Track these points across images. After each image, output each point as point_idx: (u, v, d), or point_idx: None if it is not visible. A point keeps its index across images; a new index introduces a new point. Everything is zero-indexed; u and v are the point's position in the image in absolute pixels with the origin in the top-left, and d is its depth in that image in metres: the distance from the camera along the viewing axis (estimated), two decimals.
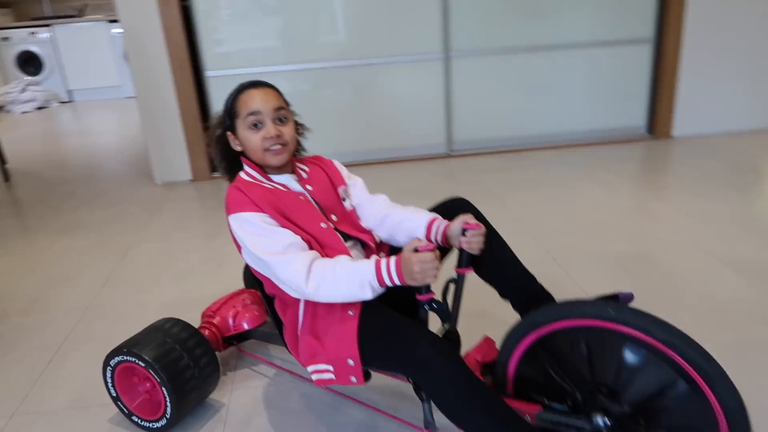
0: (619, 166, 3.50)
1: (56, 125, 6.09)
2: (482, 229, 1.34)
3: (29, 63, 7.10)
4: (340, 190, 1.49)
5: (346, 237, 1.43)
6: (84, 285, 2.38)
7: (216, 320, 1.71)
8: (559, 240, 2.52)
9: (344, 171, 1.56)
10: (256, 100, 1.34)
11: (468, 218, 1.34)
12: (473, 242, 1.32)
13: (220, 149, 1.46)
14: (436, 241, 1.42)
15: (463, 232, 1.33)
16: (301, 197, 1.39)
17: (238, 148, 1.40)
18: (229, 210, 1.33)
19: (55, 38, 7.05)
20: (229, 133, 1.40)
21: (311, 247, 1.32)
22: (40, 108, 6.84)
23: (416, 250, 1.19)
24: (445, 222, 1.42)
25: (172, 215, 3.13)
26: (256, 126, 1.34)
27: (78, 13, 7.43)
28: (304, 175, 1.47)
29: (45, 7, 7.52)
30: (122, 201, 3.41)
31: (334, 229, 1.39)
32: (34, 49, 7.05)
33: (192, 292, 2.26)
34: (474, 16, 3.64)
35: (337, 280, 1.22)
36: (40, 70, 7.12)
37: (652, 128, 3.99)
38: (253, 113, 1.33)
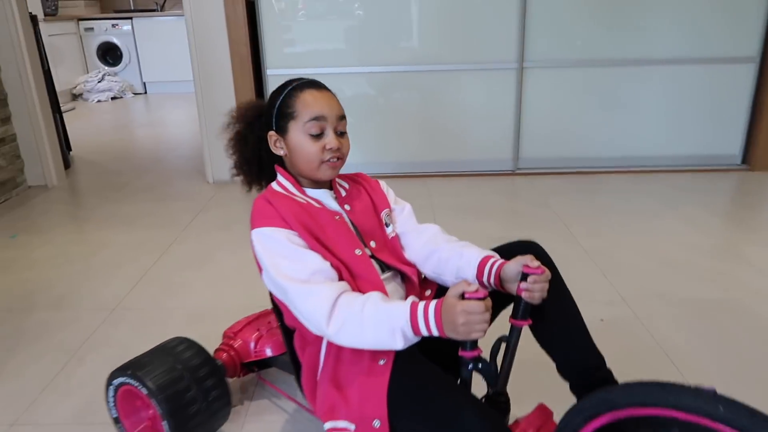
0: (707, 198, 3.12)
1: (127, 116, 6.21)
2: (547, 274, 1.09)
3: (109, 53, 7.32)
4: (383, 214, 1.29)
5: (385, 267, 1.23)
6: (116, 283, 2.28)
7: (237, 343, 1.54)
8: (632, 279, 2.22)
9: (391, 194, 1.37)
10: (321, 104, 1.17)
11: (529, 260, 1.10)
12: (534, 289, 1.08)
13: (249, 149, 1.28)
14: (488, 284, 1.19)
15: (523, 276, 1.09)
16: (337, 217, 1.21)
17: (281, 152, 1.23)
18: (254, 223, 1.16)
19: (134, 31, 7.23)
20: (272, 133, 1.22)
21: (341, 277, 1.13)
22: (114, 98, 7.01)
23: (463, 297, 0.97)
24: (500, 261, 1.18)
25: (218, 216, 3.02)
26: (315, 134, 1.17)
27: (158, 7, 7.60)
28: (343, 192, 1.29)
29: (129, 1, 7.74)
30: (171, 197, 3.34)
31: (370, 258, 1.20)
32: (114, 40, 7.25)
33: (222, 302, 2.11)
34: (553, 24, 3.36)
35: (364, 322, 1.02)
36: (119, 61, 7.31)
37: (748, 158, 3.56)
38: (317, 118, 1.15)
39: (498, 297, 1.14)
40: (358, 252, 1.17)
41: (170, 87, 7.38)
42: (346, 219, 1.23)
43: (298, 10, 3.35)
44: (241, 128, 1.26)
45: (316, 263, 1.09)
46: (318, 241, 1.14)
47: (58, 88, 6.79)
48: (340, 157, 1.20)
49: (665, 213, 2.91)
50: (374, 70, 3.43)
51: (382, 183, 1.37)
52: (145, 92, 7.49)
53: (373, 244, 1.23)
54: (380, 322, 1.01)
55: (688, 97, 3.48)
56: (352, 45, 3.43)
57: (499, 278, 1.16)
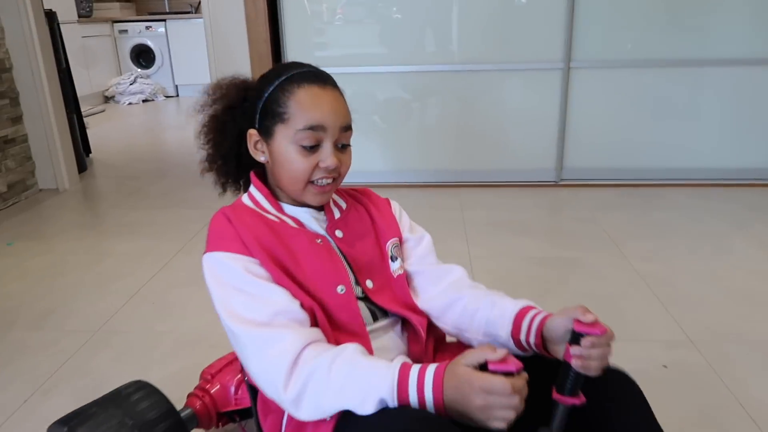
0: None
1: (155, 119, 6.10)
2: (608, 335, 0.77)
3: (142, 56, 7.25)
4: (390, 244, 1.00)
5: (381, 313, 0.94)
6: (107, 299, 2.05)
7: (214, 388, 1.27)
8: (700, 314, 1.86)
9: (404, 219, 1.07)
10: (323, 109, 0.89)
11: (581, 312, 0.78)
12: (591, 356, 0.75)
13: (227, 142, 0.99)
14: (527, 345, 0.88)
15: (574, 337, 0.77)
16: (318, 240, 0.93)
17: (261, 158, 0.95)
18: (207, 245, 0.90)
19: (168, 33, 7.15)
20: (253, 132, 0.94)
21: (313, 322, 0.85)
22: (145, 101, 6.93)
23: (484, 367, 0.67)
24: (545, 313, 0.88)
25: None
26: (308, 145, 0.89)
27: (193, 9, 7.52)
28: (337, 213, 1.00)
29: (164, 3, 7.69)
30: (183, 204, 3.12)
31: (359, 300, 0.92)
32: (148, 42, 7.19)
33: (218, 326, 1.85)
34: (604, 20, 3.01)
35: (331, 384, 0.74)
36: (152, 64, 7.24)
37: None
38: (314, 128, 0.88)
39: (541, 364, 0.83)
40: (340, 290, 0.89)
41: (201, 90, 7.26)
42: (333, 246, 0.95)
43: (321, 4, 3.09)
44: (220, 112, 0.98)
45: (280, 302, 0.83)
46: (286, 272, 0.86)
47: (90, 90, 6.78)
48: (336, 178, 0.93)
49: (734, 234, 2.52)
50: (406, 69, 3.14)
51: (395, 205, 1.08)
52: (177, 95, 7.40)
53: (369, 283, 0.94)
54: (351, 383, 0.74)
55: (756, 101, 3.08)
56: (383, 42, 3.15)
57: (541, 337, 0.85)
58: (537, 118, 3.17)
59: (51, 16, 3.45)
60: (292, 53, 3.14)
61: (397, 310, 0.94)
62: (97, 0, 6.97)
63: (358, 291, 0.93)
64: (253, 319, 0.81)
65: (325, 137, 0.89)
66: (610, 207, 2.90)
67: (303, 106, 0.88)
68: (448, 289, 0.98)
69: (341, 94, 0.94)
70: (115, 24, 7.11)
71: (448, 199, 3.06)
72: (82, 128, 3.90)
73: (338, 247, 0.95)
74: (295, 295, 0.85)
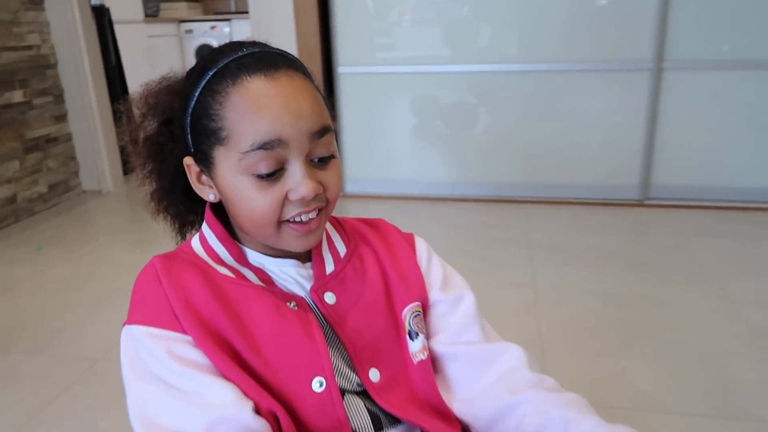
0: None
1: None
2: None
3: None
4: (408, 311, 0.68)
5: (390, 420, 0.63)
6: (117, 321, 1.83)
7: None
8: None
9: (435, 269, 0.73)
10: (277, 112, 0.57)
11: None
12: None
13: (168, 172, 0.69)
14: None
15: None
16: (291, 304, 0.63)
17: (210, 197, 0.65)
18: (129, 311, 0.61)
19: (232, 33, 7.09)
20: (189, 160, 0.64)
21: None
22: None
23: None
24: None
25: None
26: (265, 172, 0.58)
27: None
28: (329, 262, 0.68)
29: (230, 3, 7.66)
30: None
31: (351, 397, 0.62)
32: (213, 42, 7.16)
33: None
34: (704, 14, 2.55)
35: None
36: None
37: None
38: (268, 144, 0.57)
39: None
40: (317, 385, 0.59)
41: None
42: (314, 313, 0.64)
43: None
44: (155, 131, 0.68)
45: (222, 403, 0.54)
46: (234, 357, 0.58)
47: None
48: (323, 208, 0.62)
49: None
50: (473, 69, 2.79)
51: (421, 246, 0.75)
52: None
53: (374, 374, 0.64)
54: None
55: None
56: (449, 39, 2.82)
57: None
58: (620, 126, 2.74)
59: (101, 12, 3.34)
60: (344, 51, 2.86)
61: (415, 417, 0.62)
62: (165, 0, 7.01)
63: (351, 384, 0.62)
64: (181, 429, 0.53)
65: (289, 154, 0.58)
66: (707, 234, 2.44)
67: (243, 114, 0.57)
68: (498, 386, 0.64)
69: (306, 79, 0.61)
70: (181, 24, 7.13)
71: (513, 217, 2.69)
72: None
73: (324, 317, 0.64)
74: (247, 393, 0.56)
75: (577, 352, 1.63)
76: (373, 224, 0.76)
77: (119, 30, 3.74)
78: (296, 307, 0.63)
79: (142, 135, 0.68)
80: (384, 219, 0.78)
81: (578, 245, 2.35)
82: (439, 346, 0.68)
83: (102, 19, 3.34)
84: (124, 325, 0.60)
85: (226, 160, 0.59)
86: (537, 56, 2.72)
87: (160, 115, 0.68)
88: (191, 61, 7.25)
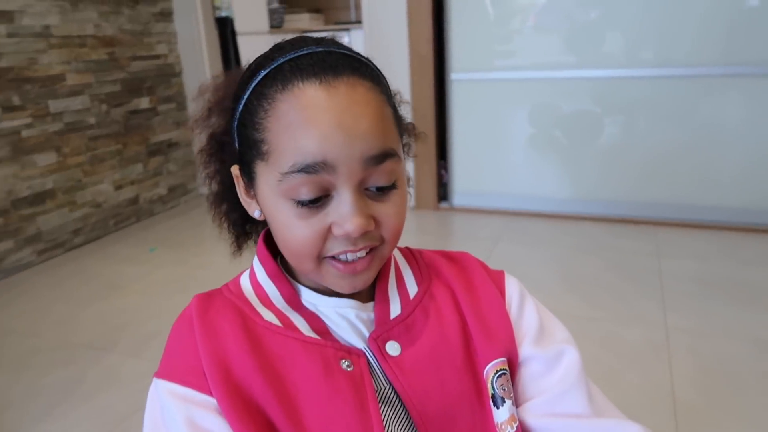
0: None
1: None
2: None
3: None
4: (490, 369, 0.53)
5: None
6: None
7: None
8: None
9: (528, 316, 0.58)
10: (326, 130, 0.46)
11: None
12: None
13: (223, 177, 0.60)
14: None
15: None
16: (346, 364, 0.51)
17: (255, 214, 0.55)
18: (161, 360, 0.52)
19: (351, 42, 7.21)
20: (236, 169, 0.55)
21: None
22: None
23: None
24: None
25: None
26: (308, 199, 0.47)
27: None
28: (395, 304, 0.56)
29: (351, 13, 7.81)
30: None
31: None
32: None
33: None
34: None
35: None
36: None
37: None
38: (311, 167, 0.46)
39: None
40: None
41: None
42: (375, 371, 0.52)
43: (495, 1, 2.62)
44: (219, 128, 0.58)
45: None
46: (267, 428, 0.47)
47: None
48: (375, 247, 0.50)
49: None
50: (599, 74, 2.53)
51: (512, 286, 0.60)
52: None
53: None
54: None
55: None
56: (570, 41, 2.57)
57: None
58: None
59: (224, 23, 3.46)
60: (458, 57, 2.71)
61: None
62: (289, 11, 7.28)
63: None
64: None
65: (337, 181, 0.47)
66: None
67: (287, 127, 0.46)
68: None
69: (374, 89, 0.49)
70: (303, 34, 7.36)
71: (641, 240, 2.38)
72: None
73: (384, 374, 0.51)
74: None
75: (717, 412, 1.36)
76: (453, 258, 0.62)
77: (244, 40, 3.87)
78: (351, 368, 0.50)
79: (208, 131, 0.59)
80: (469, 253, 0.63)
81: (720, 277, 2.02)
82: (531, 417, 0.53)
83: (225, 29, 3.46)
84: (153, 376, 0.51)
85: (266, 178, 0.49)
86: (673, 59, 2.40)
87: (227, 112, 0.57)
88: None
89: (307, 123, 0.46)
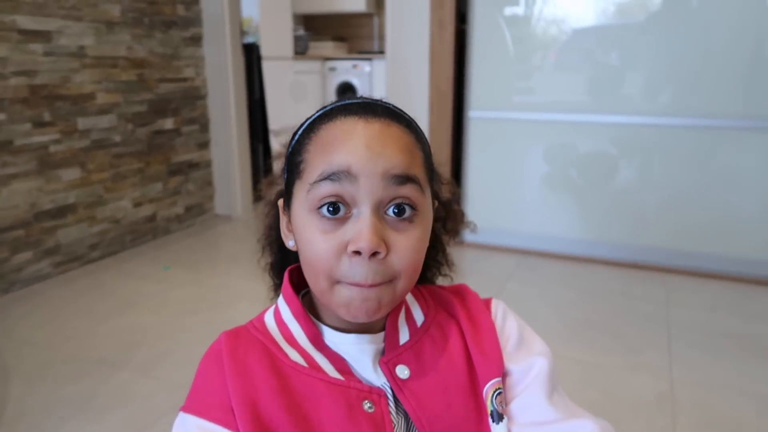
0: None
1: None
2: None
3: (346, 93, 7.53)
4: (489, 389, 0.58)
5: None
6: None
7: None
8: None
9: (509, 332, 0.62)
10: (353, 144, 0.52)
11: None
12: None
13: (270, 220, 0.68)
14: None
15: None
16: (368, 405, 0.54)
17: (290, 244, 0.60)
18: (188, 394, 0.56)
19: (372, 72, 7.33)
20: (281, 202, 0.61)
21: None
22: None
23: None
24: None
25: None
26: (330, 210, 0.52)
27: None
28: (404, 331, 0.60)
29: (374, 43, 7.95)
30: None
31: None
32: (353, 80, 7.45)
33: None
34: None
35: None
36: None
37: None
38: (334, 175, 0.52)
39: None
40: None
41: None
42: (391, 408, 0.55)
43: (518, 39, 2.68)
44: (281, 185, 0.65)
45: None
46: None
47: (295, 122, 7.22)
48: (389, 282, 0.53)
49: None
50: (614, 120, 2.57)
51: (497, 308, 0.65)
52: None
53: None
54: None
55: None
56: (589, 84, 2.62)
57: None
58: None
59: (250, 49, 3.56)
60: (477, 95, 2.77)
61: None
62: (313, 39, 7.43)
63: None
64: None
65: (357, 192, 0.51)
66: None
67: (323, 147, 0.53)
68: None
69: (407, 132, 0.55)
70: (326, 61, 7.50)
71: (651, 287, 2.39)
72: (267, 158, 3.97)
73: (395, 399, 0.55)
74: None
75: None
76: (454, 290, 0.66)
77: (269, 66, 3.98)
78: (372, 409, 0.54)
79: (276, 189, 0.66)
80: (466, 285, 0.68)
81: (728, 330, 2.01)
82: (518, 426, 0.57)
83: (251, 55, 3.55)
84: (180, 409, 0.54)
85: (299, 194, 0.55)
86: (693, 110, 2.44)
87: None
88: (332, 97, 7.59)
89: (338, 141, 0.52)
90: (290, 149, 0.58)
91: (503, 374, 0.59)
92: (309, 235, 0.53)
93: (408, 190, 0.52)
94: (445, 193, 0.65)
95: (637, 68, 2.55)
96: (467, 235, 2.92)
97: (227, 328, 0.61)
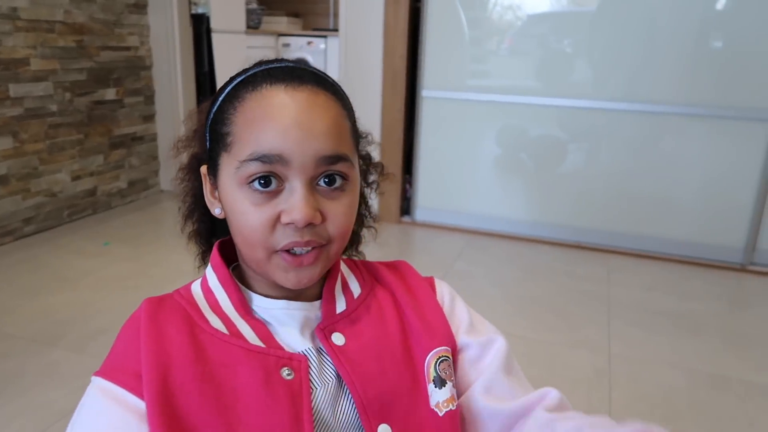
0: None
1: None
2: None
3: None
4: (432, 357, 0.59)
5: None
6: None
7: None
8: None
9: (459, 312, 0.65)
10: (282, 124, 0.51)
11: None
12: None
13: (197, 190, 0.64)
14: None
15: None
16: (287, 373, 0.53)
17: (216, 211, 0.58)
18: (105, 359, 0.53)
19: (327, 49, 7.22)
20: (204, 170, 0.59)
21: None
22: None
23: None
24: None
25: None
26: (261, 184, 0.51)
27: None
28: (341, 300, 0.61)
29: (329, 20, 7.83)
30: None
31: None
32: (307, 57, 7.32)
33: None
34: None
35: None
36: None
37: None
38: (265, 157, 0.51)
39: None
40: None
41: None
42: (313, 374, 0.54)
43: (473, 18, 2.67)
44: (199, 150, 0.62)
45: None
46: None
47: None
48: (319, 245, 0.53)
49: None
50: (567, 104, 2.60)
51: (442, 288, 0.67)
52: None
53: (384, 430, 0.54)
54: None
55: None
56: (542, 68, 2.65)
57: None
58: (728, 180, 2.46)
59: (199, 20, 3.43)
60: (430, 75, 2.76)
61: None
62: (267, 13, 7.26)
63: None
64: None
65: (290, 173, 0.51)
66: None
67: (251, 121, 0.52)
68: (533, 421, 0.55)
69: (335, 100, 0.54)
70: (280, 37, 7.34)
71: (593, 266, 2.46)
72: None
73: (333, 365, 0.55)
74: None
75: None
76: (392, 266, 0.68)
77: (220, 39, 3.84)
78: (291, 376, 0.52)
79: (191, 151, 0.63)
80: (406, 261, 0.69)
81: (664, 308, 2.09)
82: (471, 398, 0.58)
83: (200, 26, 3.43)
84: (93, 374, 0.51)
85: (227, 168, 0.53)
86: (641, 96, 2.49)
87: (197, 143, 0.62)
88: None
89: (267, 118, 0.51)
90: (211, 116, 0.56)
91: (458, 348, 0.61)
92: (240, 206, 0.52)
93: (339, 167, 0.53)
94: (365, 146, 0.64)
95: (587, 55, 2.59)
96: (417, 214, 2.93)
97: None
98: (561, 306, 2.07)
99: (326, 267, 0.56)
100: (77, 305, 1.94)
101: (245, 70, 0.56)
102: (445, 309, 0.64)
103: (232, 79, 0.57)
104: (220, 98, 0.55)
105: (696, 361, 1.75)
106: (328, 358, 0.56)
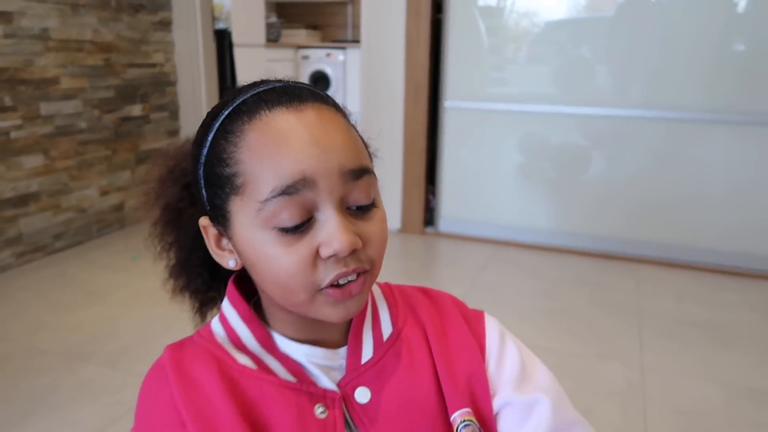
0: None
1: None
2: None
3: (320, 82, 7.45)
4: (458, 417, 0.53)
5: None
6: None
7: None
8: None
9: (510, 360, 0.58)
10: (301, 146, 0.46)
11: None
12: None
13: (187, 239, 0.59)
14: None
15: None
16: (321, 411, 0.51)
17: (230, 264, 0.53)
18: (135, 417, 0.52)
19: (346, 61, 7.26)
20: (205, 220, 0.53)
21: None
22: None
23: None
24: None
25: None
26: (294, 228, 0.46)
27: None
28: (368, 347, 0.56)
29: (347, 31, 7.87)
30: None
31: None
32: (326, 69, 7.37)
33: None
34: None
35: None
36: (327, 90, 7.41)
37: None
38: (291, 188, 0.46)
39: None
40: None
41: None
42: (347, 414, 0.52)
43: (494, 29, 2.67)
44: (174, 197, 0.58)
45: None
46: None
47: None
48: (363, 270, 0.49)
49: None
50: (586, 112, 2.58)
51: (492, 326, 0.60)
52: None
53: None
54: None
55: None
56: (562, 76, 2.63)
57: None
58: (754, 185, 2.41)
59: (222, 35, 3.48)
60: (453, 85, 2.75)
61: None
62: (286, 26, 7.33)
63: None
64: None
65: (318, 198, 0.46)
66: None
67: (261, 153, 0.46)
68: None
69: (339, 114, 0.50)
70: (299, 50, 7.41)
71: (622, 276, 2.42)
72: None
73: (352, 421, 0.52)
74: None
75: None
76: (431, 296, 0.62)
77: (240, 53, 3.89)
78: (324, 414, 0.50)
79: (162, 202, 0.58)
80: (450, 294, 0.63)
81: (697, 319, 2.05)
82: None
83: (223, 42, 3.48)
84: None
85: (243, 213, 0.47)
86: (663, 102, 2.46)
87: (181, 178, 0.58)
88: None
89: (280, 145, 0.46)
90: (204, 159, 0.50)
91: (498, 405, 0.55)
92: (270, 251, 0.47)
93: (365, 183, 0.48)
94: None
95: (606, 61, 2.57)
96: (441, 225, 2.92)
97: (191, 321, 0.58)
98: (591, 317, 2.05)
99: (368, 293, 0.52)
100: (108, 320, 1.96)
101: (229, 100, 0.50)
102: (492, 359, 0.57)
103: (213, 114, 0.50)
104: (209, 137, 0.49)
105: (732, 374, 1.71)
106: (351, 420, 0.52)
